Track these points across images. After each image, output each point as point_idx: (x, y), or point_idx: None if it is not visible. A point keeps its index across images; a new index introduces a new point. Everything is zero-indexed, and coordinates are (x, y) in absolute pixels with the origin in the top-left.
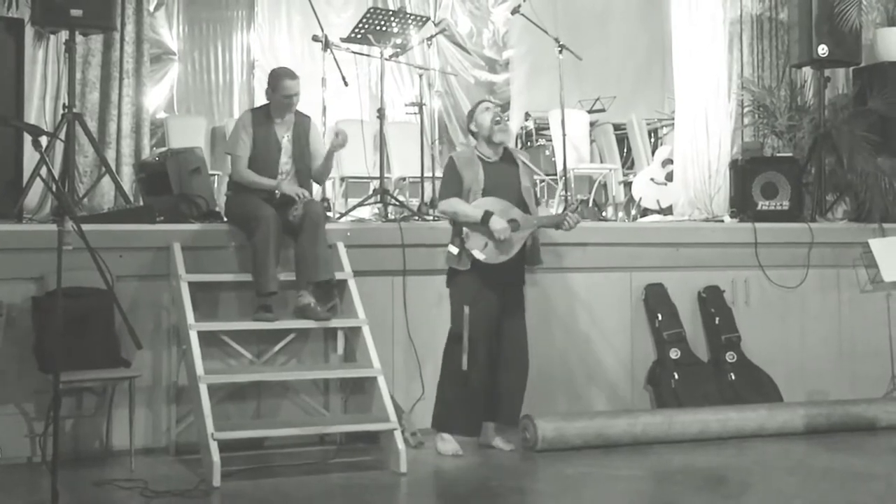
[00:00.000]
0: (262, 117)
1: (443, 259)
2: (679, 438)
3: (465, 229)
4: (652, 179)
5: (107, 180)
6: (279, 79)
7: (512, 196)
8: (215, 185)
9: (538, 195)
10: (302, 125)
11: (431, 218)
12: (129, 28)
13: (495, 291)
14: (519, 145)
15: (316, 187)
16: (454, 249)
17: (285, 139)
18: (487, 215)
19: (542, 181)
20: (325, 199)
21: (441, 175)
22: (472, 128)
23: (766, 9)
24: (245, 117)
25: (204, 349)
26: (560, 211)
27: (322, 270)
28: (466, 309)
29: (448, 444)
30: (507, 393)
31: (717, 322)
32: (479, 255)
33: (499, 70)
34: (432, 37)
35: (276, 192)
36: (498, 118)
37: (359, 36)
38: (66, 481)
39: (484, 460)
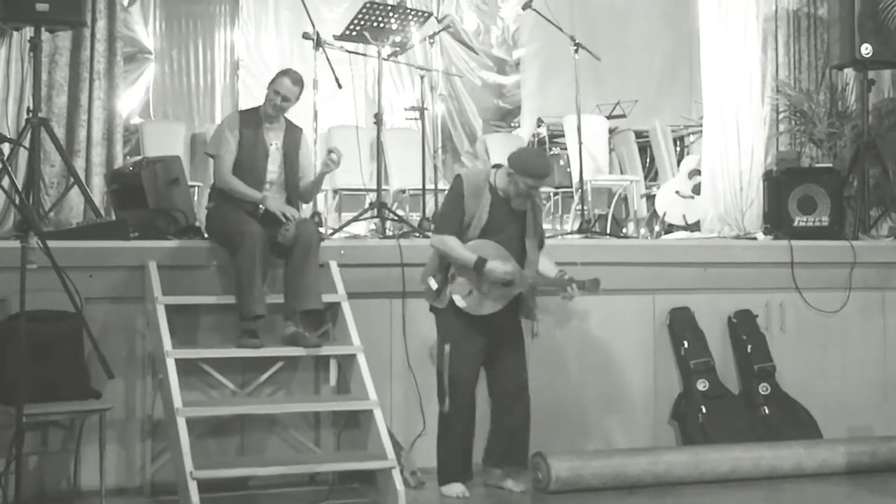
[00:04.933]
0: (250, 119)
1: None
2: (707, 479)
3: (452, 269)
4: (677, 192)
5: (75, 192)
6: (279, 75)
7: (513, 241)
8: (195, 197)
9: (553, 210)
10: (293, 136)
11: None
12: (101, 24)
13: (483, 332)
14: None
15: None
16: (433, 284)
17: (273, 146)
18: (481, 262)
19: (556, 194)
20: (316, 214)
21: (445, 191)
22: (508, 171)
23: (804, 4)
24: (231, 117)
25: (182, 379)
26: (576, 228)
27: (309, 299)
28: (448, 348)
29: (453, 486)
30: (512, 435)
31: (749, 350)
32: (459, 303)
33: (508, 71)
34: (435, 34)
35: (261, 206)
36: (531, 196)
37: (354, 33)
38: None
39: (492, 503)
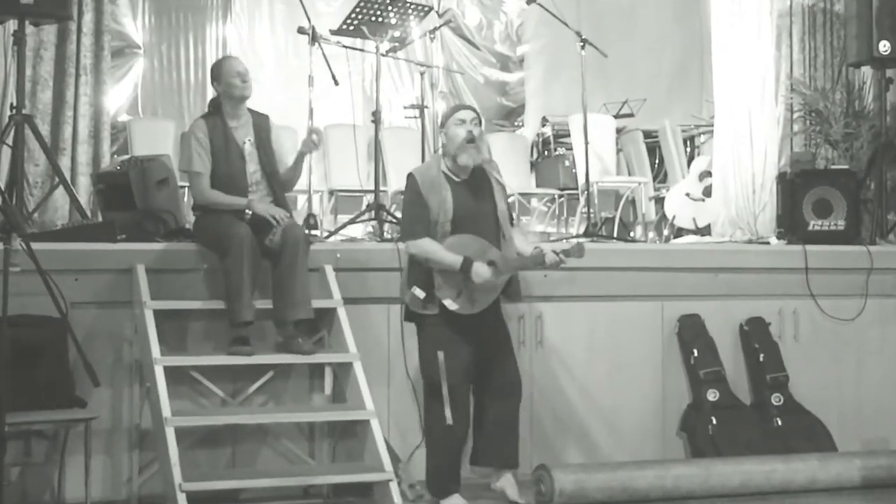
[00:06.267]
0: (216, 123)
1: None
2: (717, 493)
3: (436, 276)
4: (687, 195)
5: (60, 192)
6: (219, 65)
7: (486, 224)
8: (185, 198)
9: (559, 213)
10: (261, 126)
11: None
12: (88, 17)
13: (472, 334)
14: (535, 155)
15: (301, 202)
16: (420, 293)
17: (247, 144)
18: (468, 264)
19: (561, 196)
20: (311, 216)
21: (402, 195)
22: (443, 139)
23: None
24: (197, 126)
25: (171, 387)
26: (581, 232)
27: (297, 308)
28: (441, 355)
29: (453, 498)
30: (501, 431)
31: (761, 359)
32: (451, 306)
33: (512, 68)
34: (436, 29)
35: (247, 211)
36: (472, 137)
37: (351, 28)
38: None
39: None
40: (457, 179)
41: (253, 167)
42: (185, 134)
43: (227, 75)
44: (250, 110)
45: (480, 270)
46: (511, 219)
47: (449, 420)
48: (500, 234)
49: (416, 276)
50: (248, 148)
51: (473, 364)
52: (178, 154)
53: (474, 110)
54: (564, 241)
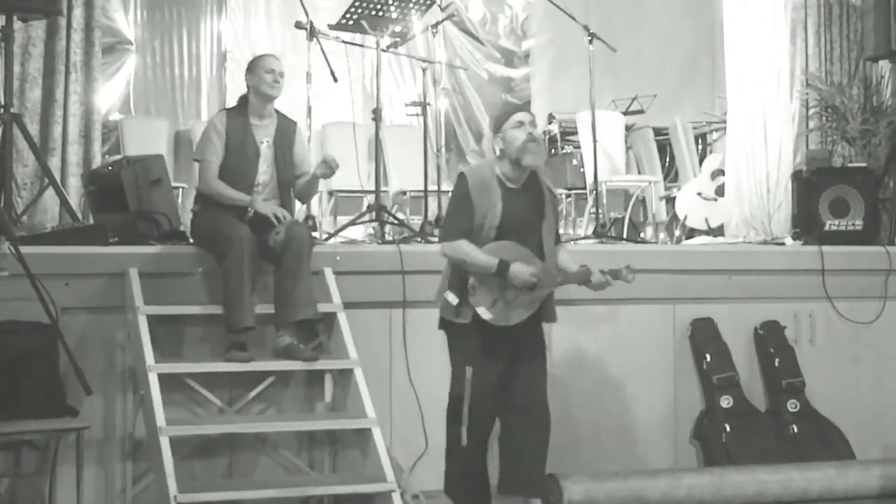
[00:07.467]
0: (238, 118)
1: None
2: (731, 502)
3: (471, 279)
4: (699, 194)
5: (50, 194)
6: (257, 59)
7: (532, 236)
8: (179, 199)
9: (566, 213)
10: (286, 130)
11: (437, 239)
12: (78, 13)
13: (505, 346)
14: None
15: (300, 204)
16: (453, 299)
17: (265, 144)
18: (504, 265)
19: (569, 196)
20: (310, 217)
21: (449, 192)
22: (500, 144)
23: None
24: (218, 118)
25: (166, 395)
26: (590, 232)
27: (302, 308)
28: (469, 371)
29: None
30: (526, 458)
31: (776, 364)
32: (485, 315)
33: (517, 63)
34: (438, 24)
35: (249, 209)
36: (533, 137)
37: (351, 22)
38: None
39: None
40: (510, 186)
41: (264, 167)
42: (207, 123)
43: (261, 69)
44: (279, 113)
45: (519, 271)
46: (557, 235)
47: (464, 441)
48: (542, 247)
49: (454, 281)
50: (265, 149)
51: (502, 383)
52: (171, 154)
53: (530, 112)
54: (574, 242)
